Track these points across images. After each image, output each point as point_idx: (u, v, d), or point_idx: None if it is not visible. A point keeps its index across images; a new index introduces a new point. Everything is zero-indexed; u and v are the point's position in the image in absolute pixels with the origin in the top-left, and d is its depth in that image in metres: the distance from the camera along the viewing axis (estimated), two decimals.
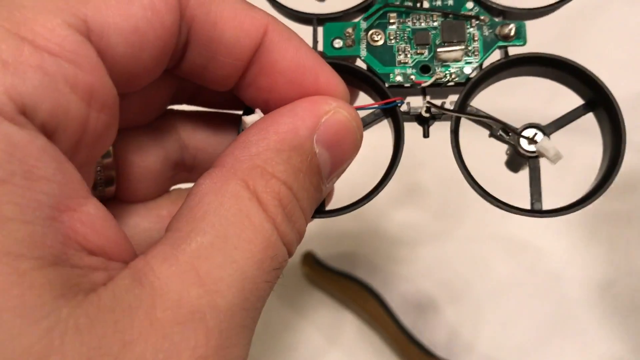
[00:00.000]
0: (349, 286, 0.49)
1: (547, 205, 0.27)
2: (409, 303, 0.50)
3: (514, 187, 0.29)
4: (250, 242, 0.20)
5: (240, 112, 0.28)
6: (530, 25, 0.27)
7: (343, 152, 0.24)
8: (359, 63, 0.27)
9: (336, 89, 0.24)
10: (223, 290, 0.19)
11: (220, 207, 0.20)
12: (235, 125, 0.28)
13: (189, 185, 0.29)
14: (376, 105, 0.26)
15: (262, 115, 0.24)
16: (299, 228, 0.22)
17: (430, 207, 0.52)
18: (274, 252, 0.20)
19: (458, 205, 0.52)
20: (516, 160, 0.28)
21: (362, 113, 0.26)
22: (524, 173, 0.29)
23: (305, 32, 0.26)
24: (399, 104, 0.26)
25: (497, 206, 0.26)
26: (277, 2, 0.27)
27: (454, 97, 0.27)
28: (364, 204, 0.26)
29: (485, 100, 0.28)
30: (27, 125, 0.17)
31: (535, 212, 0.26)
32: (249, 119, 0.24)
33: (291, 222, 0.21)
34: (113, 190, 0.27)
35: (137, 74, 0.21)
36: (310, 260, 0.50)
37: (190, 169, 0.29)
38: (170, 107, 0.29)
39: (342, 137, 0.23)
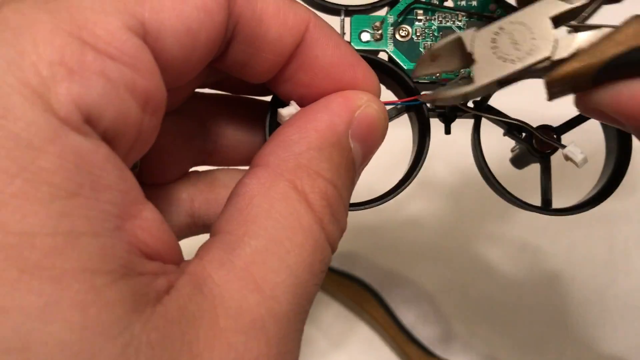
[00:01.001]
0: (349, 286, 0.50)
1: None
2: (409, 303, 0.51)
3: (512, 183, 0.30)
4: (302, 245, 0.20)
5: (263, 98, 0.29)
6: None
7: (373, 144, 0.24)
8: (380, 56, 0.28)
9: (372, 84, 0.25)
10: (279, 296, 0.19)
11: (271, 209, 0.20)
12: (258, 111, 0.29)
13: (207, 168, 0.30)
14: (405, 101, 0.27)
15: (297, 107, 0.24)
16: (343, 226, 0.23)
17: (432, 205, 0.53)
18: (322, 255, 0.21)
19: (458, 204, 0.53)
20: (524, 159, 0.29)
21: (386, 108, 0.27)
22: (525, 171, 0.30)
23: (330, 22, 0.27)
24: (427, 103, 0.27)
25: (514, 203, 0.27)
26: None
27: None
28: (393, 197, 0.27)
29: (496, 99, 0.29)
30: (91, 134, 0.17)
31: (551, 210, 0.28)
32: (285, 112, 0.24)
33: (336, 221, 0.22)
34: (136, 173, 0.27)
35: (184, 73, 0.21)
36: None
37: (210, 152, 0.29)
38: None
39: (373, 130, 0.24)
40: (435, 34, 0.28)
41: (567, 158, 0.28)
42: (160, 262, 0.19)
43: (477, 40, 0.23)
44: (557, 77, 0.23)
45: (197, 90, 0.28)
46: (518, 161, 0.30)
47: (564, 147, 0.27)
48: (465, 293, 0.51)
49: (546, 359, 0.49)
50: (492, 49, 0.23)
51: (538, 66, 0.23)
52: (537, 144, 0.28)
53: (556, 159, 0.29)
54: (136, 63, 0.18)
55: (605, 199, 0.28)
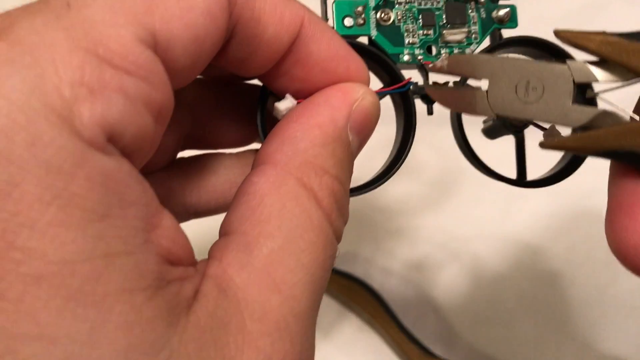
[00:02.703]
0: (349, 286, 0.51)
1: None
2: (409, 303, 0.52)
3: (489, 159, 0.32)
4: (314, 243, 0.22)
5: (249, 82, 0.31)
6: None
7: (368, 135, 0.26)
8: (361, 40, 0.30)
9: (364, 75, 0.26)
10: (298, 295, 0.20)
11: (283, 208, 0.22)
12: (244, 94, 0.30)
13: (192, 153, 0.31)
14: (396, 88, 0.29)
15: (293, 101, 0.25)
16: (346, 218, 0.24)
17: (432, 206, 0.55)
18: (332, 251, 0.22)
19: (458, 205, 0.54)
20: (497, 130, 0.31)
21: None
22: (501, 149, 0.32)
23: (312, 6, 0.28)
24: (411, 86, 0.29)
25: (491, 176, 0.29)
26: None
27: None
28: (381, 184, 0.29)
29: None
30: (114, 152, 0.18)
31: (525, 183, 0.30)
32: (282, 106, 0.25)
33: (342, 215, 0.23)
34: None
35: (189, 78, 0.22)
36: None
37: (198, 137, 0.31)
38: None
39: (369, 122, 0.25)
40: (416, 16, 0.29)
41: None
42: (182, 267, 0.20)
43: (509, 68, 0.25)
44: (550, 145, 0.25)
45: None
46: (490, 132, 0.31)
47: (544, 129, 0.29)
48: (465, 293, 0.52)
49: (546, 359, 0.50)
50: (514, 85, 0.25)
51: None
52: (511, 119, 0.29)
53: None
54: (150, 76, 0.19)
55: (578, 167, 0.30)
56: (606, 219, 0.25)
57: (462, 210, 0.54)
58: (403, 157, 0.29)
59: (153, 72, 0.19)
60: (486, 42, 0.30)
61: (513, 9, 0.30)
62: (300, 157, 0.23)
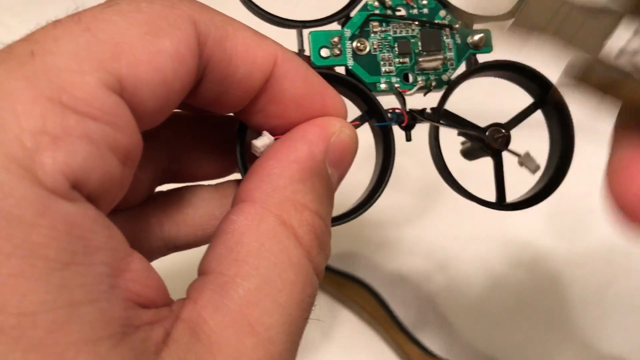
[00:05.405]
0: (348, 285, 0.52)
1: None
2: (409, 303, 0.53)
3: (470, 177, 0.33)
4: (292, 282, 0.22)
5: (213, 115, 0.31)
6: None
7: (346, 167, 0.26)
8: (337, 69, 0.30)
9: (340, 108, 0.26)
10: (273, 337, 0.20)
11: (261, 247, 0.22)
12: (222, 126, 0.31)
13: (170, 186, 0.31)
14: (373, 124, 0.30)
15: (271, 137, 0.26)
16: (328, 253, 0.24)
17: (432, 206, 0.56)
18: (312, 290, 0.22)
19: (457, 206, 0.55)
20: (475, 153, 0.32)
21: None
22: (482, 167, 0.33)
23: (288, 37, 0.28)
24: (392, 122, 0.30)
25: (473, 200, 0.30)
26: (259, 9, 0.29)
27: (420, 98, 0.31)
28: (362, 212, 0.30)
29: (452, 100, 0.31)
30: (78, 199, 0.18)
31: (504, 206, 0.31)
32: (259, 143, 0.26)
33: (323, 251, 0.24)
34: None
35: (158, 120, 0.22)
36: None
37: (175, 174, 0.31)
38: None
39: (347, 154, 0.26)
40: (391, 44, 0.30)
41: (521, 164, 0.30)
42: (154, 309, 0.20)
43: None
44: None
45: None
46: (469, 154, 0.32)
47: (519, 155, 0.30)
48: (465, 293, 0.53)
49: (546, 359, 0.51)
50: None
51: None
52: (489, 142, 0.30)
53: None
54: (116, 121, 0.19)
55: (556, 188, 0.31)
56: (607, 171, 0.22)
57: (462, 212, 0.55)
58: (383, 185, 0.30)
59: (119, 116, 0.19)
60: (462, 68, 0.31)
61: (487, 33, 0.31)
62: (279, 194, 0.23)
